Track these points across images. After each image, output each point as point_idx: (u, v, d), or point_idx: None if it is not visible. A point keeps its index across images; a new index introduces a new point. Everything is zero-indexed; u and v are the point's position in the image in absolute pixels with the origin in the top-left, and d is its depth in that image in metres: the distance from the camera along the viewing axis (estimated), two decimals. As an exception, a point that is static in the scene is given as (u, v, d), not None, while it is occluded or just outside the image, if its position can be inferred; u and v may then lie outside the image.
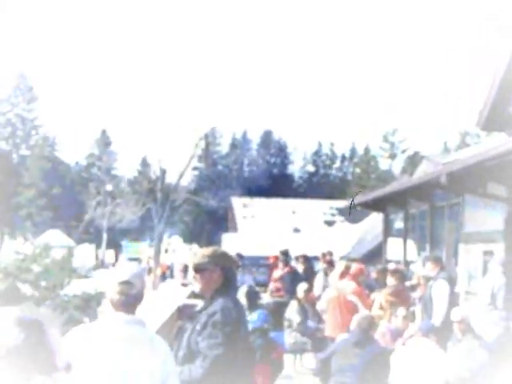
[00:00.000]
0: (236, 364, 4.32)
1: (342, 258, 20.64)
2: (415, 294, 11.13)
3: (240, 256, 14.82)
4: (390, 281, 10.25)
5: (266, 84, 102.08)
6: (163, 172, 42.26)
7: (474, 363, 6.36)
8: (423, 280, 11.58)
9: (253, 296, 14.47)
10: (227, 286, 4.57)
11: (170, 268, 32.09)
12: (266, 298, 14.56)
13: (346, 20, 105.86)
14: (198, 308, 4.61)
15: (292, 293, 12.76)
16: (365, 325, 6.88)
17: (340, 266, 11.58)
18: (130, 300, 3.66)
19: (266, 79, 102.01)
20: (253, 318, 9.14)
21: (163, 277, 30.23)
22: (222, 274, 4.52)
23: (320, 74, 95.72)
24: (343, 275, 10.89)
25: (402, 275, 10.33)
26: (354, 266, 11.45)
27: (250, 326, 8.54)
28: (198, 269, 4.54)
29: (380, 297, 10.02)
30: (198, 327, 4.37)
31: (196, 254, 4.68)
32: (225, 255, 4.71)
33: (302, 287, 12.37)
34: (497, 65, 13.84)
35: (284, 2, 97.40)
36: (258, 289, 15.40)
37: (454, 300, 9.20)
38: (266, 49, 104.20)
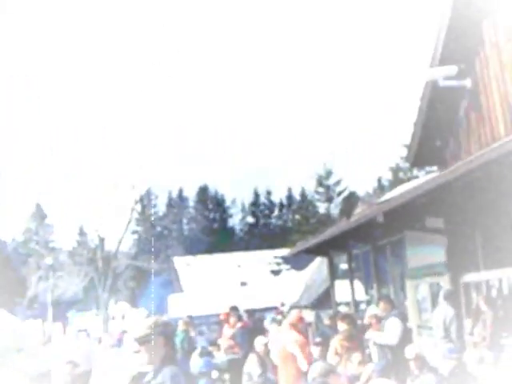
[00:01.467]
0: None
1: (291, 307, 20.62)
2: (368, 335, 11.19)
3: (190, 317, 14.64)
4: (341, 326, 10.27)
5: (196, 139, 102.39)
6: (102, 240, 41.80)
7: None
8: (375, 320, 11.68)
9: (206, 356, 14.35)
10: (172, 353, 4.60)
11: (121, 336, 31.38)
12: (220, 356, 14.38)
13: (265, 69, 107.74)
14: (147, 378, 4.56)
15: (247, 348, 12.66)
16: (322, 373, 6.84)
17: (291, 316, 11.59)
18: (75, 379, 3.62)
19: (194, 134, 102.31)
20: (199, 363, 10.89)
21: (117, 344, 29.51)
22: (165, 343, 4.54)
23: (247, 121, 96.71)
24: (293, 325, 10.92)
25: (352, 319, 10.38)
26: (293, 315, 11.52)
27: (197, 371, 10.37)
28: (142, 341, 4.51)
29: (335, 343, 10.03)
30: None
31: (137, 327, 4.66)
32: (166, 324, 4.73)
33: (260, 340, 12.30)
34: (420, 98, 14.16)
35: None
36: (211, 348, 15.27)
37: (407, 336, 9.27)
38: (189, 99, 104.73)
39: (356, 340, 9.73)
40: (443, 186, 10.07)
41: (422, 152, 14.72)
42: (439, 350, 6.91)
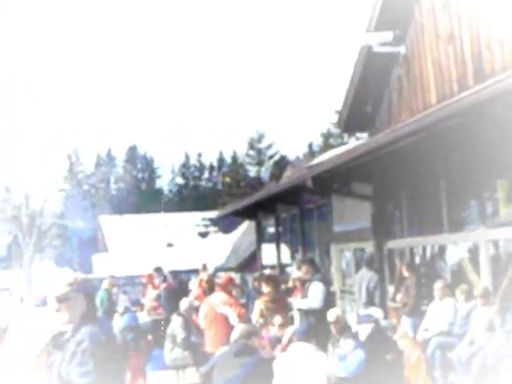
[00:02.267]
0: None
1: (217, 269, 20.62)
2: (291, 299, 11.23)
3: (113, 277, 14.45)
4: (265, 288, 10.24)
5: (127, 98, 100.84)
6: (27, 197, 40.87)
7: (352, 363, 6.42)
8: (299, 283, 11.73)
9: (129, 316, 14.21)
10: (92, 311, 4.53)
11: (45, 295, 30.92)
12: (142, 316, 14.26)
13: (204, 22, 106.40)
14: (65, 336, 4.43)
15: (170, 310, 12.56)
16: (244, 335, 6.80)
17: (220, 278, 11.64)
18: None
19: (126, 92, 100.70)
20: (124, 319, 11.07)
21: (40, 303, 29.07)
22: (85, 300, 4.45)
23: (180, 81, 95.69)
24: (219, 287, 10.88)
25: (276, 281, 10.34)
26: (223, 277, 11.52)
27: (122, 326, 10.46)
28: (62, 299, 4.41)
29: (259, 304, 10.01)
30: (68, 356, 4.27)
31: (57, 284, 4.52)
32: (86, 281, 4.65)
33: (184, 302, 12.21)
34: (354, 64, 14.11)
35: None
36: (134, 308, 15.14)
37: (330, 300, 9.31)
38: (126, 58, 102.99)
39: (279, 302, 9.72)
40: (371, 152, 10.09)
41: (353, 118, 14.74)
42: (360, 314, 6.93)
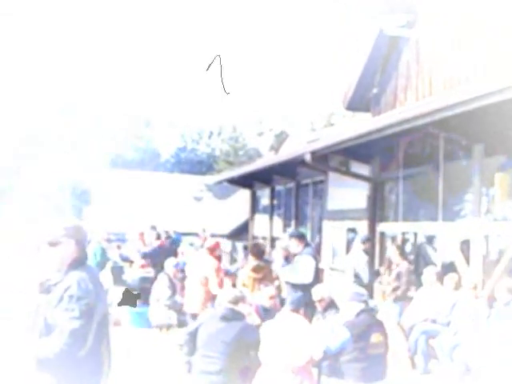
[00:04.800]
0: (92, 337, 4.24)
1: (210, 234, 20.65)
2: (280, 271, 11.33)
3: (106, 231, 14.49)
4: (250, 257, 10.30)
5: (127, 61, 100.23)
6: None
7: (336, 341, 6.49)
8: (285, 252, 11.82)
9: (117, 272, 14.32)
10: (82, 258, 4.47)
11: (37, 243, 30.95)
12: (131, 273, 14.37)
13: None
14: (52, 281, 4.43)
15: (160, 268, 12.67)
16: (232, 300, 6.87)
17: (209, 242, 11.73)
18: None
19: (130, 56, 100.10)
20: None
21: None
22: (76, 246, 4.41)
23: (189, 46, 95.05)
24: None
25: (261, 251, 10.36)
26: (210, 241, 11.66)
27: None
28: (53, 243, 4.38)
29: (243, 273, 10.10)
30: (54, 301, 4.25)
31: (49, 227, 4.48)
32: (79, 228, 4.55)
33: (170, 262, 12.31)
34: (362, 46, 14.13)
35: None
36: (123, 264, 15.23)
37: (318, 276, 9.37)
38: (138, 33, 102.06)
39: (263, 271, 9.76)
40: (373, 133, 10.10)
41: (358, 98, 14.76)
42: (347, 292, 6.98)
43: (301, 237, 9.71)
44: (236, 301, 6.88)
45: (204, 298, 10.44)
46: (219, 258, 11.28)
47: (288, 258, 11.51)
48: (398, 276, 10.70)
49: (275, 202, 19.53)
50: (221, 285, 10.53)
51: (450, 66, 11.22)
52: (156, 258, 13.71)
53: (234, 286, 10.77)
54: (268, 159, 19.81)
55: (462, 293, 9.19)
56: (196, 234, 16.69)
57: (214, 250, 10.99)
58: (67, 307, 4.17)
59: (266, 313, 7.67)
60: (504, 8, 9.94)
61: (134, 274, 14.15)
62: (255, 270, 9.71)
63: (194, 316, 10.23)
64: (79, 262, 4.41)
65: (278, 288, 10.26)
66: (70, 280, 4.27)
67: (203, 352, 6.67)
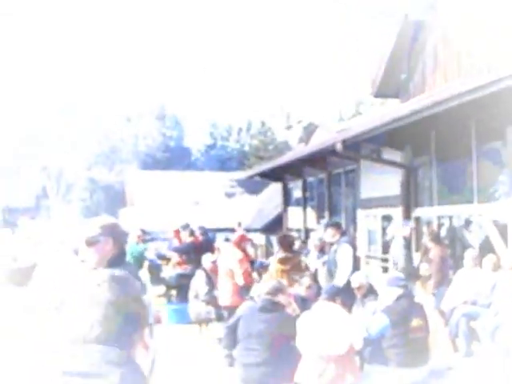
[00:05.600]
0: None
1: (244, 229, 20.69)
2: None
3: (143, 231, 14.52)
4: (280, 248, 10.32)
5: (158, 57, 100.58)
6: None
7: (376, 327, 6.48)
8: (320, 243, 11.83)
9: (155, 270, 14.41)
10: (121, 256, 4.40)
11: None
12: (168, 270, 14.45)
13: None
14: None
15: (196, 264, 12.73)
16: (271, 291, 6.86)
17: (235, 235, 11.91)
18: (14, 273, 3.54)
19: (158, 51, 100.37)
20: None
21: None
22: (114, 245, 4.33)
23: (213, 45, 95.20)
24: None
25: (290, 242, 10.35)
26: (236, 234, 11.81)
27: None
28: (91, 242, 4.30)
29: (271, 264, 10.14)
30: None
31: (86, 226, 4.42)
32: (117, 226, 4.49)
33: (207, 257, 12.38)
34: (389, 33, 14.06)
35: None
36: (160, 262, 15.32)
37: (355, 264, 9.33)
38: (155, 31, 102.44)
39: (292, 262, 9.76)
40: (403, 118, 10.03)
41: (386, 85, 14.68)
42: (386, 278, 6.97)
43: (337, 226, 9.68)
44: (275, 292, 6.87)
45: (232, 290, 10.54)
46: (245, 251, 11.41)
47: (323, 250, 11.50)
48: (431, 263, 10.65)
49: (307, 193, 19.51)
50: (247, 276, 10.61)
51: (478, 45, 11.11)
52: (189, 253, 13.75)
53: (247, 276, 10.81)
54: (298, 151, 19.76)
55: (501, 274, 9.10)
56: (232, 230, 16.71)
57: (239, 243, 11.14)
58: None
59: (303, 303, 7.67)
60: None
61: (171, 271, 14.22)
62: (282, 261, 9.74)
63: (227, 308, 10.39)
64: (118, 260, 4.31)
65: (312, 277, 10.25)
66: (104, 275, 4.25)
67: (244, 345, 6.69)
